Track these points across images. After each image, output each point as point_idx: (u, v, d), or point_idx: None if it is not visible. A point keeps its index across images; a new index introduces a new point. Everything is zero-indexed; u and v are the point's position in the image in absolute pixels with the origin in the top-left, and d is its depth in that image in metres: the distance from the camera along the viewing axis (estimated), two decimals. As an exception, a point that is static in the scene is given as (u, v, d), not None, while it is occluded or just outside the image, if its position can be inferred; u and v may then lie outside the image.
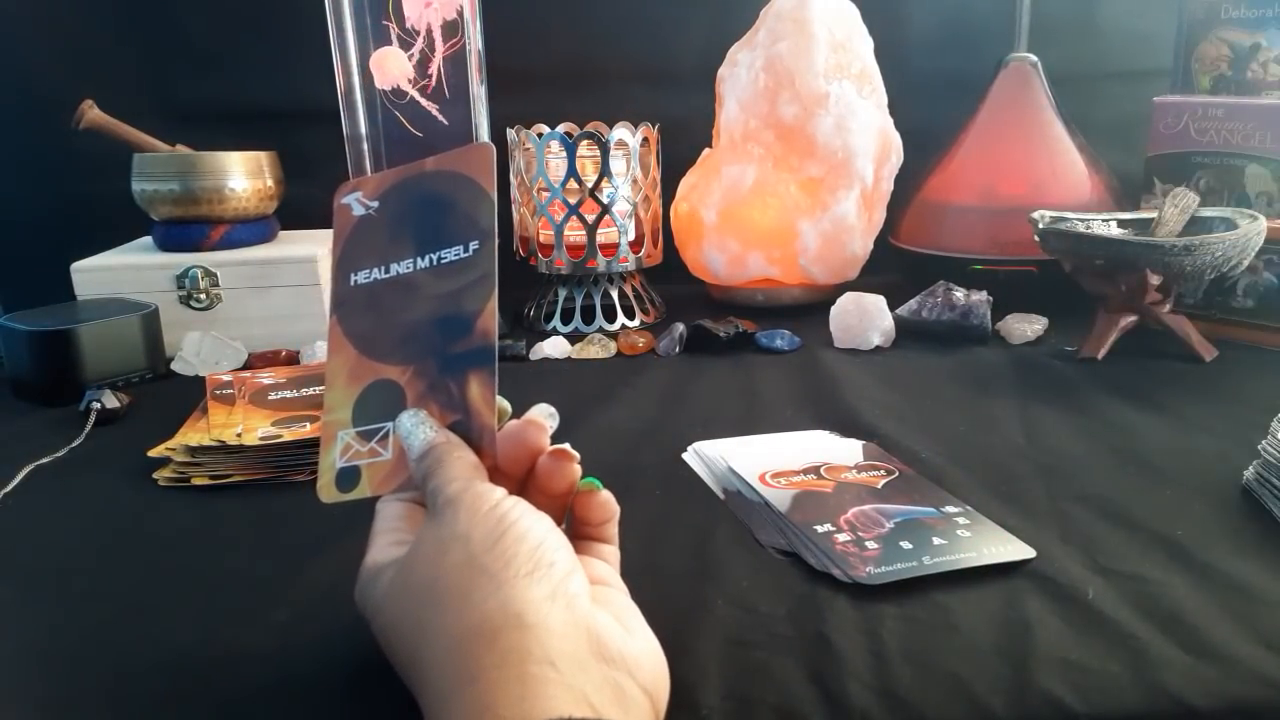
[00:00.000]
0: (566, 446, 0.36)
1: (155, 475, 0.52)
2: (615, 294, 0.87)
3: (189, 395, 0.63)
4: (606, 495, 0.35)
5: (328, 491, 0.37)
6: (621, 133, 0.83)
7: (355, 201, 0.40)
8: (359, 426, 0.37)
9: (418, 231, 0.38)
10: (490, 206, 0.37)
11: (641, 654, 0.29)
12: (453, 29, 0.80)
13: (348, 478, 0.37)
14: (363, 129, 0.81)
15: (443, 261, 0.38)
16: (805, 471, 0.50)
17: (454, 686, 0.26)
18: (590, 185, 0.83)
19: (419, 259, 0.38)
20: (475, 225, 0.37)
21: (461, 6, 0.79)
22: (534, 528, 0.30)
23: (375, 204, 0.39)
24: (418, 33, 0.79)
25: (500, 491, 0.32)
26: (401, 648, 0.30)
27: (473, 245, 0.37)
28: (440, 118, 0.82)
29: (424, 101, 0.81)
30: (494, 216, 0.37)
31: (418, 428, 0.35)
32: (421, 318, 0.37)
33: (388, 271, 0.38)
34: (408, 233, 0.38)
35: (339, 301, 0.39)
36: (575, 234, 0.85)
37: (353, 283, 0.39)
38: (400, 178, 0.39)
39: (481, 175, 0.38)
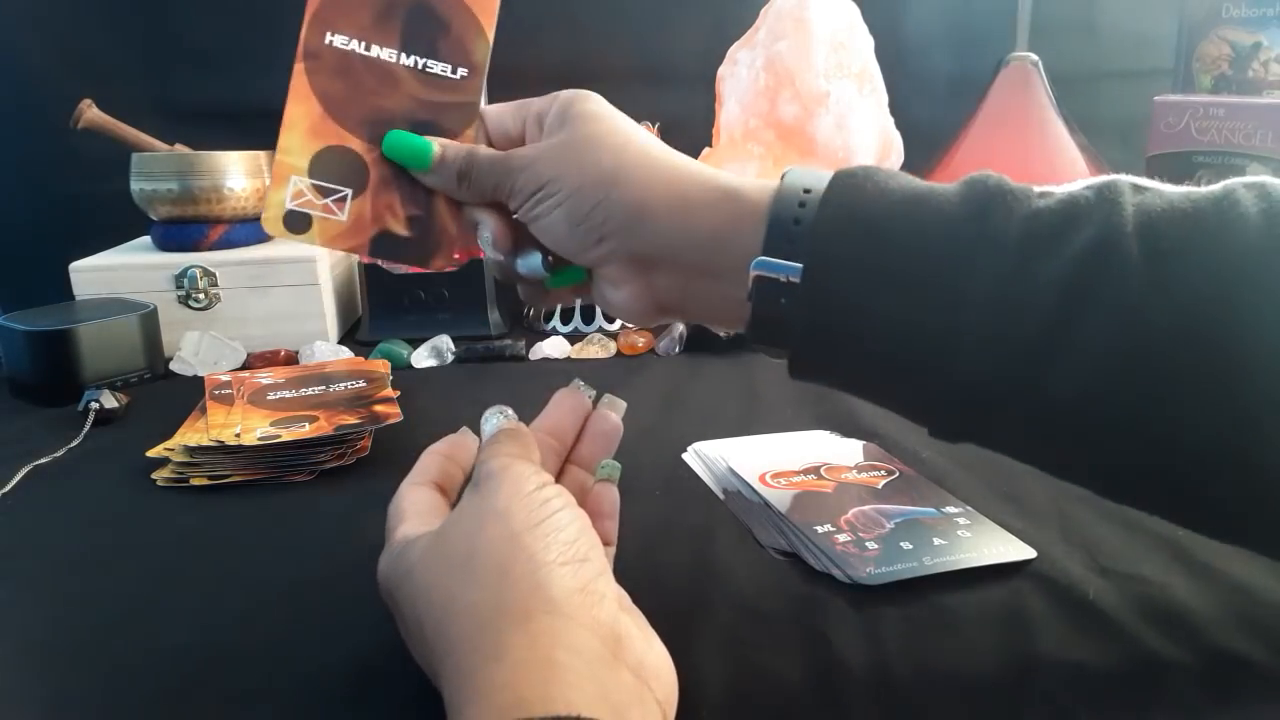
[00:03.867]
0: (615, 401, 0.38)
1: (154, 475, 0.52)
2: (615, 294, 0.86)
3: (188, 395, 0.63)
4: (615, 491, 0.37)
5: (274, 226, 0.39)
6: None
7: None
8: (315, 180, 0.38)
9: (407, 29, 0.39)
10: (485, 45, 0.39)
11: (659, 665, 0.29)
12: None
13: (298, 221, 0.39)
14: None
15: (428, 69, 0.39)
16: (805, 472, 0.50)
17: (479, 661, 0.26)
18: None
19: (403, 54, 0.39)
20: (467, 55, 0.39)
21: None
22: (573, 521, 0.30)
23: None
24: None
25: (545, 477, 0.32)
26: (428, 616, 0.29)
27: (461, 72, 0.39)
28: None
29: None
30: (486, 56, 0.39)
31: (494, 416, 0.37)
32: (397, 109, 0.39)
33: (368, 50, 0.39)
34: (395, 24, 0.39)
35: (309, 53, 0.39)
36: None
37: (327, 41, 0.39)
38: None
39: (482, 11, 0.39)
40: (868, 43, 0.89)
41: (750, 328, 0.35)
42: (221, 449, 0.52)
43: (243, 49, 1.01)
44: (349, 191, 0.38)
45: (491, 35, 0.39)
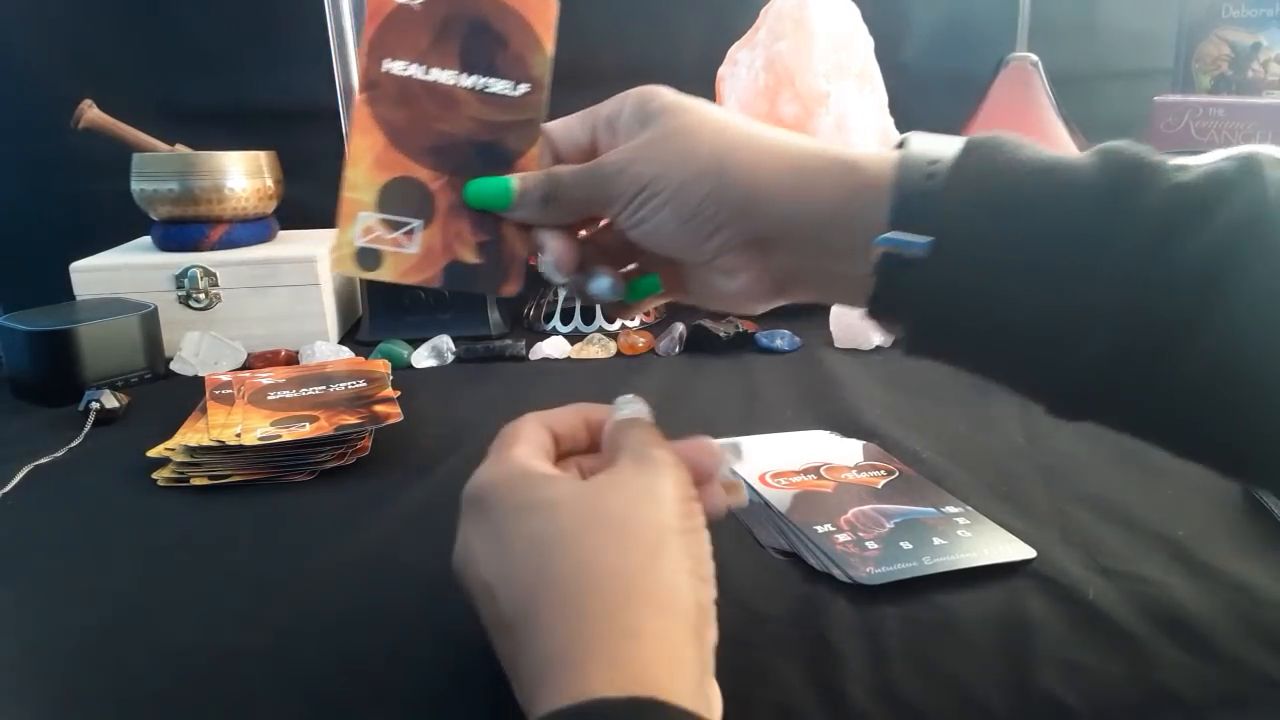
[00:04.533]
0: (740, 485, 0.36)
1: (154, 475, 0.52)
2: (615, 294, 0.86)
3: (188, 395, 0.63)
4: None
5: (344, 264, 0.38)
6: (621, 132, 0.83)
7: None
8: (384, 214, 0.38)
9: (465, 49, 0.38)
10: (544, 59, 0.38)
11: (715, 699, 0.29)
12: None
13: (369, 257, 0.38)
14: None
15: (488, 90, 0.38)
16: (805, 472, 0.50)
17: (613, 629, 0.26)
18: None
19: (463, 75, 0.38)
20: (526, 70, 0.38)
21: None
22: (708, 540, 0.31)
23: (419, 0, 0.39)
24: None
25: (694, 492, 0.32)
26: (558, 554, 0.28)
27: (522, 88, 0.38)
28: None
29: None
30: (547, 70, 0.38)
31: (634, 402, 0.36)
32: (460, 133, 0.38)
33: (426, 73, 0.38)
34: (453, 45, 0.38)
35: (369, 83, 0.38)
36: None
37: (385, 69, 0.38)
38: None
39: (540, 25, 0.38)
40: (868, 43, 0.89)
41: (870, 305, 0.34)
42: (222, 449, 0.52)
43: (244, 50, 1.01)
44: (418, 223, 0.38)
45: (551, 49, 0.38)
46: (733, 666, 0.33)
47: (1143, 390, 0.31)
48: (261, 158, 0.84)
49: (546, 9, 0.38)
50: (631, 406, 0.36)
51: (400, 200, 0.38)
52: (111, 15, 0.98)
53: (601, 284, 0.39)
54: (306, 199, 0.93)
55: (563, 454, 0.35)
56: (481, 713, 0.32)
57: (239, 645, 0.36)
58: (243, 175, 0.82)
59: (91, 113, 0.82)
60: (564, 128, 0.39)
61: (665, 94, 0.37)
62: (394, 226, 0.38)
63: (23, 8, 0.96)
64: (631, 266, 0.41)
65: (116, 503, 0.50)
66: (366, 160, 0.38)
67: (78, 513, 0.49)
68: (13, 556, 0.44)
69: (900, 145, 0.35)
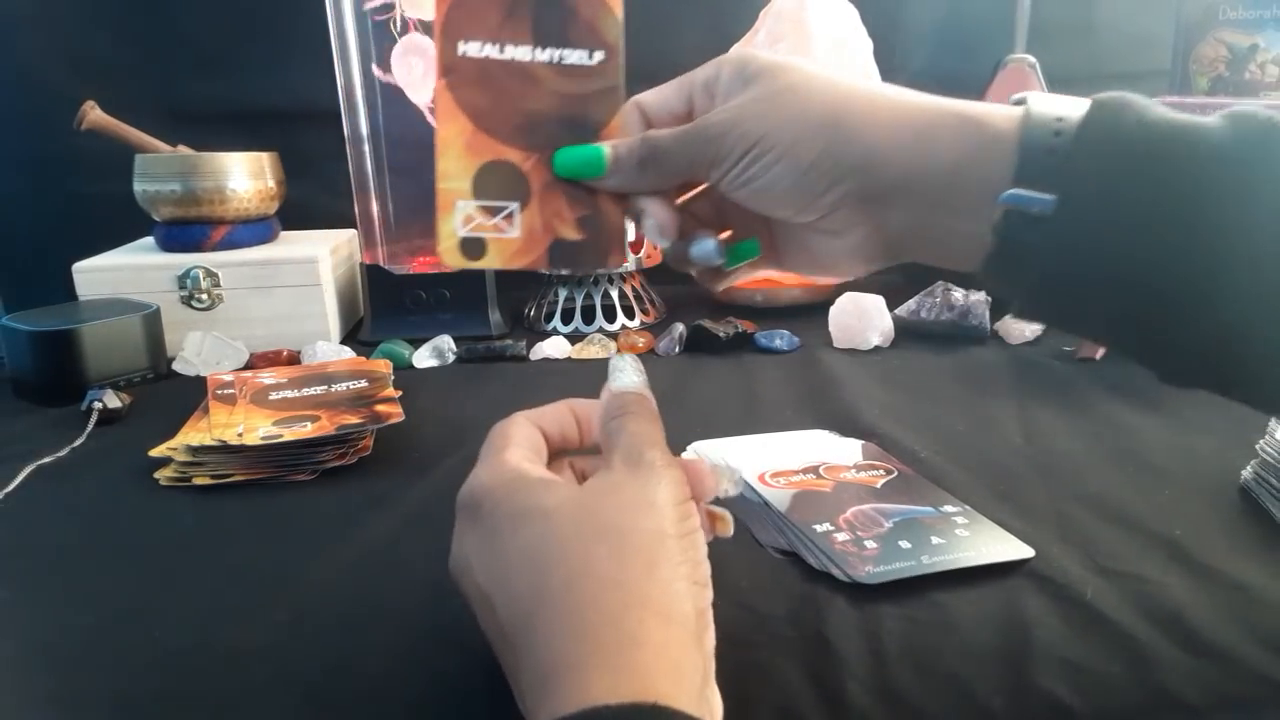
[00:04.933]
0: (727, 517, 0.35)
1: (156, 475, 0.52)
2: (615, 294, 0.87)
3: (190, 395, 0.63)
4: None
5: (452, 256, 0.37)
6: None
7: None
8: (480, 200, 0.37)
9: (537, 22, 0.38)
10: (614, 23, 0.38)
11: (717, 707, 0.29)
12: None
13: (473, 247, 0.38)
14: (363, 129, 0.82)
15: (565, 62, 0.38)
16: (804, 471, 0.50)
17: (614, 638, 0.26)
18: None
19: (538, 50, 0.38)
20: (599, 37, 0.38)
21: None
22: (704, 542, 0.30)
23: None
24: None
25: (689, 494, 0.31)
26: (555, 563, 0.28)
27: (597, 55, 0.38)
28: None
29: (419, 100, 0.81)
30: (620, 35, 0.38)
31: (631, 370, 0.35)
32: (545, 110, 0.38)
33: (502, 51, 0.38)
34: (523, 19, 0.38)
35: (447, 69, 0.38)
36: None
37: (460, 52, 0.37)
38: None
39: None
40: (866, 44, 0.89)
41: (987, 264, 0.33)
42: (224, 448, 0.52)
43: (246, 50, 1.01)
44: (515, 205, 0.37)
45: (620, 13, 0.38)
46: (732, 666, 0.34)
47: (1271, 362, 0.30)
48: (264, 159, 0.84)
49: None
50: (627, 376, 0.35)
51: (495, 184, 0.37)
52: (114, 16, 0.99)
53: (706, 246, 0.38)
54: (308, 200, 0.94)
55: (554, 451, 0.35)
56: (481, 713, 0.32)
57: (240, 645, 0.36)
58: (245, 176, 0.82)
59: (94, 114, 0.82)
60: (658, 97, 0.39)
61: (762, 56, 0.36)
62: (492, 212, 0.37)
63: (26, 9, 0.97)
64: (726, 234, 0.41)
65: (119, 502, 0.50)
66: (456, 147, 0.37)
67: (80, 512, 0.49)
68: (15, 556, 0.44)
69: (1019, 104, 0.34)
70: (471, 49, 0.37)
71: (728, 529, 0.34)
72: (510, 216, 0.37)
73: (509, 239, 0.37)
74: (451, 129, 0.37)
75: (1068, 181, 0.31)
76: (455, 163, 0.37)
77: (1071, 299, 0.33)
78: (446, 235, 0.37)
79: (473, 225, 0.37)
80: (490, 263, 0.38)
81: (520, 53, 0.37)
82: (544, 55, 0.38)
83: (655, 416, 0.34)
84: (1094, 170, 0.31)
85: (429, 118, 0.81)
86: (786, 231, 0.39)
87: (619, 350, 0.78)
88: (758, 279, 0.89)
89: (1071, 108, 0.32)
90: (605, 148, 0.37)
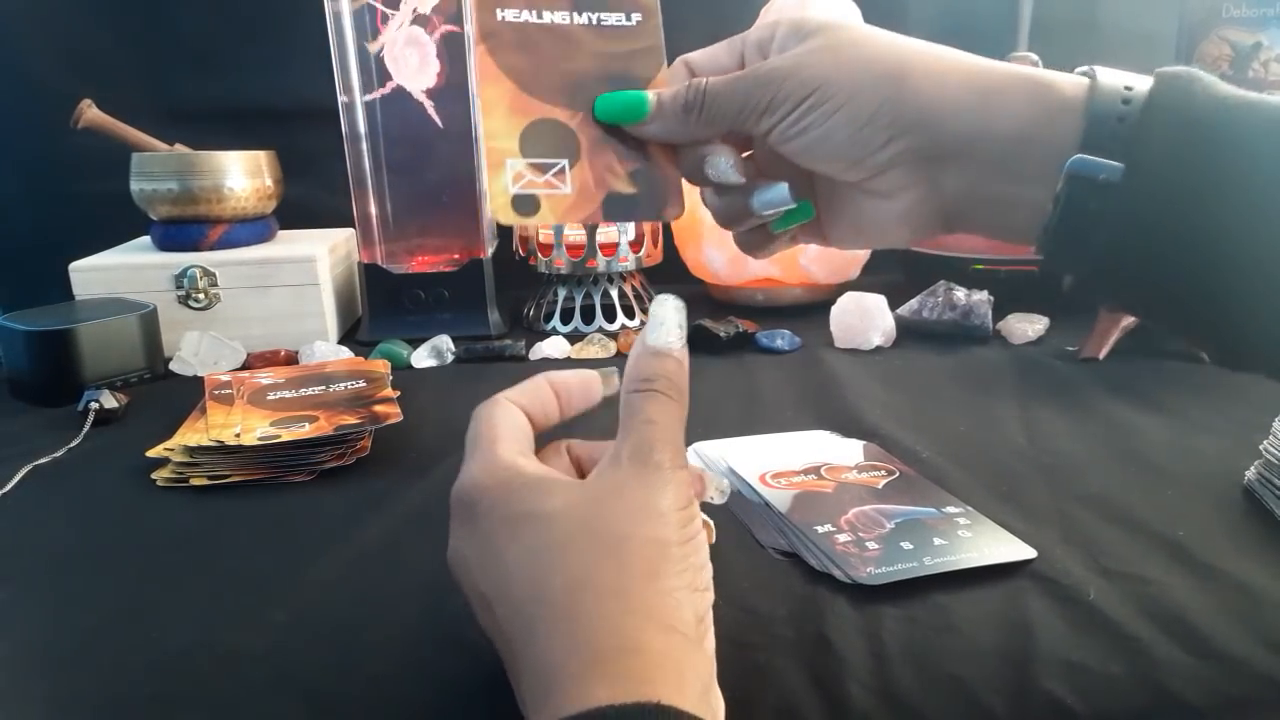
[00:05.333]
0: (710, 525, 0.34)
1: (154, 475, 0.52)
2: (615, 294, 0.86)
3: (187, 395, 0.63)
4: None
5: (505, 213, 0.37)
6: (621, 132, 0.83)
7: None
8: (529, 158, 0.37)
9: None
10: None
11: (720, 704, 0.29)
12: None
13: (526, 203, 0.37)
14: (362, 129, 0.81)
15: (603, 23, 0.38)
16: (805, 472, 0.50)
17: (613, 646, 0.25)
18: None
19: (575, 14, 0.38)
20: (635, 1, 0.38)
21: (461, 5, 0.79)
22: (705, 544, 0.30)
23: None
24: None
25: (691, 490, 0.31)
26: (554, 569, 0.27)
27: (635, 16, 0.38)
28: (434, 116, 0.82)
29: (424, 100, 0.81)
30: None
31: (673, 319, 0.33)
32: (588, 70, 0.37)
33: (540, 17, 0.38)
34: None
35: (486, 33, 0.37)
36: (575, 233, 0.85)
37: (500, 17, 0.37)
38: None
39: None
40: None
41: (1046, 235, 0.32)
42: (221, 449, 0.52)
43: (243, 49, 1.01)
44: (565, 162, 0.37)
45: None
46: (733, 667, 0.33)
47: None
48: (261, 157, 0.84)
49: None
50: (668, 331, 0.32)
51: (543, 142, 0.37)
52: (111, 14, 0.98)
53: (777, 192, 0.37)
54: (306, 199, 0.94)
55: (537, 430, 0.34)
56: (481, 713, 0.32)
57: (238, 646, 0.36)
58: (242, 175, 0.82)
59: (91, 112, 0.82)
60: (708, 56, 0.38)
61: (819, 16, 0.35)
62: (543, 169, 0.37)
63: (22, 6, 0.96)
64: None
65: (116, 503, 0.50)
66: (501, 108, 0.37)
67: (77, 513, 0.49)
68: (11, 557, 0.44)
69: (1084, 75, 0.33)
70: (509, 14, 0.37)
71: (710, 538, 0.33)
72: (561, 173, 0.37)
73: (562, 195, 0.37)
74: (494, 91, 0.37)
75: (1136, 150, 0.30)
76: (501, 122, 0.37)
77: (1133, 270, 0.32)
78: (498, 193, 0.37)
79: (524, 182, 0.37)
80: (545, 218, 0.37)
81: (559, 16, 0.38)
82: (581, 19, 0.38)
83: (682, 395, 0.32)
84: (1164, 139, 0.30)
85: (430, 110, 0.81)
86: (833, 195, 0.38)
87: (619, 351, 0.78)
88: (757, 279, 0.89)
89: (1138, 80, 0.32)
90: (648, 92, 0.37)
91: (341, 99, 0.80)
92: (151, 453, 0.53)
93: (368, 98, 0.80)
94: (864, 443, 0.55)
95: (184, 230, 0.81)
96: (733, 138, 0.39)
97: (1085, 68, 0.33)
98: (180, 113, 0.98)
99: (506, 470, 0.30)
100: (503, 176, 0.37)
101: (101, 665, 0.35)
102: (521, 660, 0.27)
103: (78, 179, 0.97)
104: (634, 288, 0.88)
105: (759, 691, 0.32)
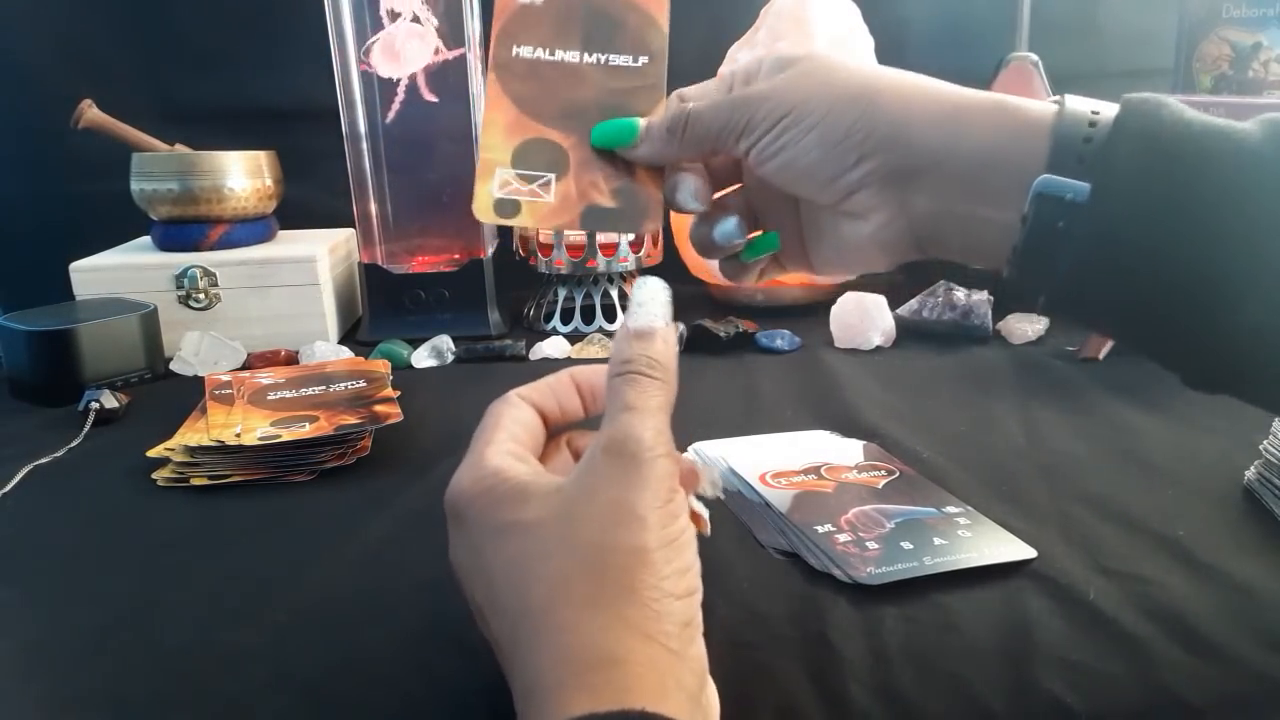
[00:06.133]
0: (705, 516, 0.33)
1: (154, 475, 0.52)
2: (615, 294, 0.86)
3: (188, 395, 0.63)
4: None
5: (486, 213, 0.39)
6: (621, 132, 0.83)
7: None
8: (519, 169, 0.39)
9: (585, 34, 0.40)
10: (661, 36, 0.41)
11: (714, 702, 0.28)
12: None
13: (507, 207, 0.39)
14: (362, 128, 0.81)
15: (611, 63, 0.40)
16: (805, 472, 0.50)
17: (595, 659, 0.25)
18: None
19: (586, 54, 0.40)
20: (645, 45, 0.41)
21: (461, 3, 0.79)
22: (691, 542, 0.29)
23: (540, 1, 0.41)
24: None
25: (676, 480, 0.30)
26: (534, 581, 0.27)
27: (642, 59, 0.40)
28: (430, 94, 0.82)
29: (424, 89, 0.81)
30: (664, 44, 0.41)
31: (657, 301, 0.33)
32: (588, 99, 0.40)
33: (553, 54, 0.40)
34: (574, 31, 0.40)
35: (500, 64, 0.40)
36: (575, 233, 0.85)
37: (515, 53, 0.40)
38: None
39: (653, 8, 0.41)
40: (868, 42, 0.89)
41: (1014, 254, 0.33)
42: (222, 449, 0.52)
43: (243, 49, 1.01)
44: (552, 176, 0.39)
45: (666, 26, 0.41)
46: (733, 667, 0.33)
47: None
48: (261, 157, 0.84)
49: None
50: (650, 311, 0.32)
51: (535, 158, 0.40)
52: (111, 14, 0.98)
53: (727, 225, 0.39)
54: (306, 199, 0.94)
55: (555, 428, 0.34)
56: (481, 713, 0.32)
57: (239, 645, 0.36)
58: (242, 175, 0.82)
59: (91, 112, 0.82)
60: (699, 89, 0.40)
61: (801, 48, 0.37)
62: (530, 180, 0.39)
63: (22, 7, 0.96)
64: (754, 234, 0.41)
65: (116, 503, 0.50)
66: (499, 126, 0.40)
67: (77, 513, 0.49)
68: (12, 557, 0.44)
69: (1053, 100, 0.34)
70: (524, 51, 0.40)
71: (705, 529, 0.33)
72: (546, 185, 0.39)
73: (543, 202, 0.39)
74: (496, 112, 0.40)
75: (1102, 170, 0.31)
76: (499, 138, 0.40)
77: (1100, 291, 0.32)
78: (482, 194, 0.39)
79: (509, 189, 0.39)
80: (523, 221, 0.39)
81: (569, 56, 0.40)
82: (591, 58, 0.40)
83: (667, 374, 0.31)
84: (1129, 161, 0.31)
85: (422, 89, 0.81)
86: (813, 220, 0.39)
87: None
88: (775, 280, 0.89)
89: (1106, 106, 0.32)
90: (639, 119, 0.39)
91: (341, 98, 0.80)
92: (152, 453, 0.53)
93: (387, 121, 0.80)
94: (864, 443, 0.55)
95: (184, 230, 0.81)
96: (722, 168, 0.41)
97: (1056, 97, 0.34)
98: (180, 113, 0.98)
99: (491, 476, 0.30)
100: (490, 182, 0.39)
101: (101, 664, 0.35)
102: (510, 667, 0.27)
103: (78, 179, 0.97)
104: (634, 288, 0.88)
105: (759, 691, 0.33)
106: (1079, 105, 0.33)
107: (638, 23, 0.41)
